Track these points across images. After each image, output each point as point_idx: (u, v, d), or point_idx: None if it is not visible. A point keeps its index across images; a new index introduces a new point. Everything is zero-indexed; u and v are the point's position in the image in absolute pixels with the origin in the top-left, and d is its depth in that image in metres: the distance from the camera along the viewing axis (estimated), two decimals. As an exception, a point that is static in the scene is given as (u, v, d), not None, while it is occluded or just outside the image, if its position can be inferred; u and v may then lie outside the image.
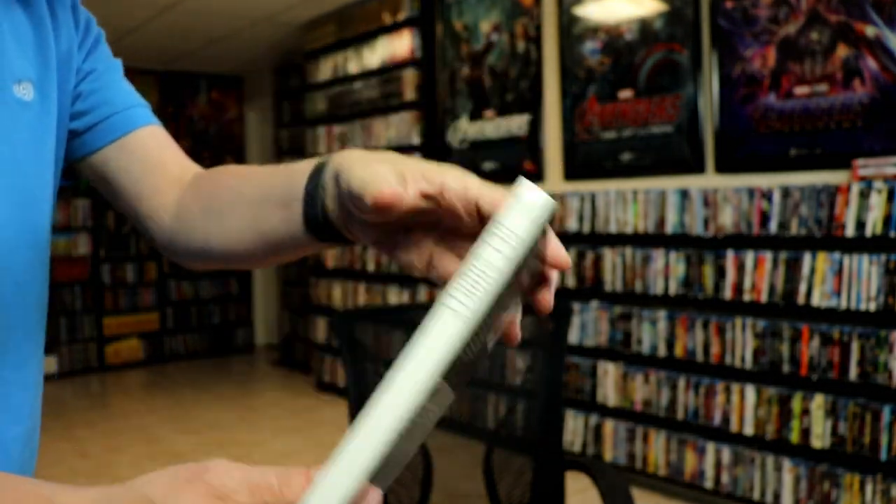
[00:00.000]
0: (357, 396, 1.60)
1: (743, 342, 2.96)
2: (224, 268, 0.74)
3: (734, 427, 2.98)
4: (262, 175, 0.67)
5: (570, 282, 3.60)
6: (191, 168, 0.77)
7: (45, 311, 0.70)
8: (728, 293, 3.00)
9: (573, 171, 3.73)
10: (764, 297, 2.89)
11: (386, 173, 0.48)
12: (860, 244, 2.67)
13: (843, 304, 2.67)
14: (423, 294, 4.46)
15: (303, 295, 6.15)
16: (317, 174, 0.57)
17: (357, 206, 0.51)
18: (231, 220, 0.67)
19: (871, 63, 2.68)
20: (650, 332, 3.28)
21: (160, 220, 0.74)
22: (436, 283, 0.52)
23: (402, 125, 4.70)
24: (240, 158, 7.43)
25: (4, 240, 0.62)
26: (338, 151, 0.57)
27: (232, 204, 0.67)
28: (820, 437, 2.73)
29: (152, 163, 0.74)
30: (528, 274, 0.41)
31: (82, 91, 0.73)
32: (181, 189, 0.74)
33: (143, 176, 0.74)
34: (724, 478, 3.03)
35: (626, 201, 3.39)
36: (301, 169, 0.60)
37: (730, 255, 3.00)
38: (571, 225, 3.61)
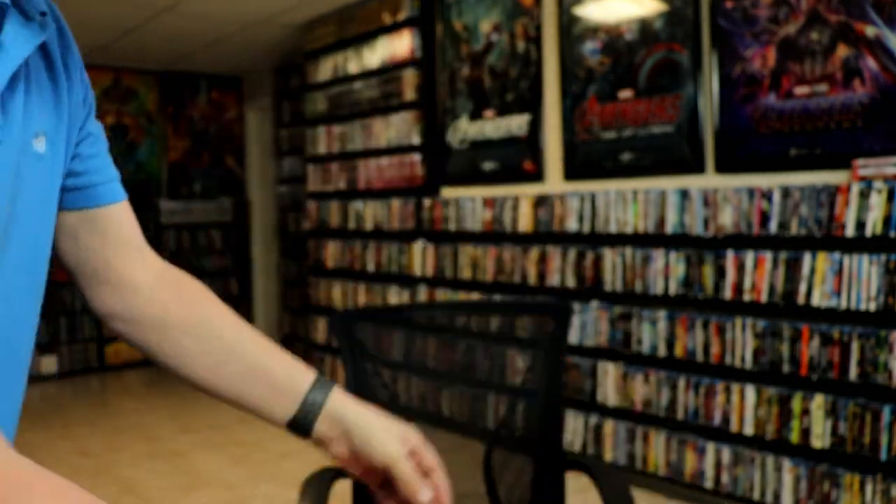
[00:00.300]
0: (357, 396, 1.60)
1: (743, 342, 2.96)
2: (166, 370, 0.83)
3: (734, 427, 2.98)
4: (257, 344, 0.81)
5: (571, 282, 3.60)
6: (150, 252, 0.84)
7: (33, 346, 0.74)
8: (728, 293, 3.00)
9: (573, 171, 3.73)
10: (764, 297, 2.89)
11: (409, 467, 0.76)
12: (860, 244, 2.66)
13: (843, 304, 2.67)
14: (423, 294, 4.46)
15: (303, 295, 6.15)
16: (317, 393, 0.79)
17: (379, 471, 0.79)
18: (214, 359, 0.78)
19: (871, 63, 2.68)
20: (650, 332, 3.28)
21: (121, 290, 0.81)
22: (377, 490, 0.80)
23: (402, 125, 4.70)
24: (240, 158, 7.43)
25: (10, 286, 0.65)
26: (335, 387, 0.79)
27: (223, 350, 0.79)
28: (820, 437, 2.73)
29: (125, 236, 0.81)
30: None
31: (81, 153, 0.76)
32: (150, 273, 0.82)
33: (116, 245, 0.80)
34: (725, 478, 3.03)
35: (626, 201, 3.39)
36: (301, 372, 0.80)
37: (730, 255, 3.00)
38: (571, 225, 3.61)
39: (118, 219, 0.80)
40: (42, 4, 0.65)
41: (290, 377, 0.79)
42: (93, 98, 0.79)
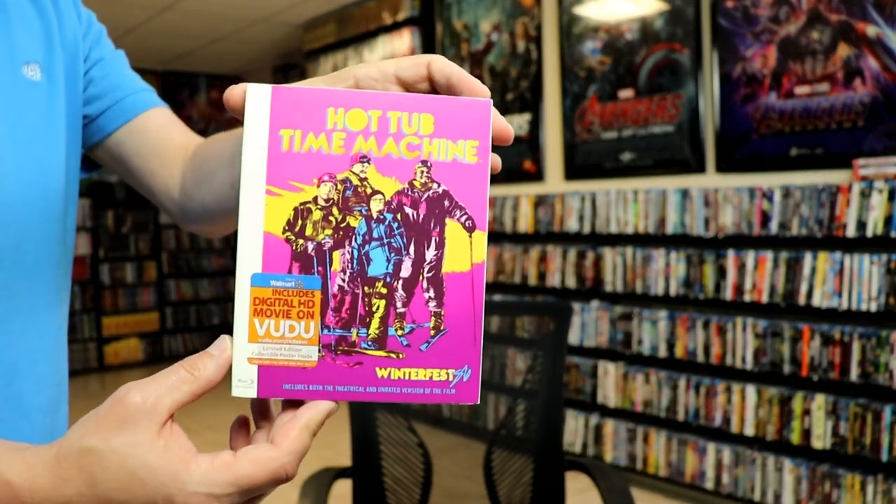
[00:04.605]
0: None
1: (744, 342, 2.95)
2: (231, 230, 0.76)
3: (735, 427, 2.98)
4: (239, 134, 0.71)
5: (571, 282, 3.59)
6: (194, 141, 0.79)
7: (69, 283, 0.73)
8: (729, 293, 3.00)
9: (573, 170, 3.72)
10: (765, 298, 2.89)
11: None
12: (861, 244, 2.66)
13: (844, 305, 2.66)
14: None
15: (303, 295, 6.14)
16: None
17: None
18: (215, 182, 0.71)
19: (872, 63, 2.67)
20: (651, 333, 3.27)
21: (170, 194, 0.77)
22: None
23: (402, 125, 4.69)
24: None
25: (20, 211, 0.65)
26: None
27: (218, 167, 0.70)
28: (821, 438, 2.73)
29: (161, 141, 0.78)
30: None
31: (93, 77, 0.76)
32: (185, 163, 0.77)
33: (153, 155, 0.77)
34: (725, 478, 3.02)
35: (626, 201, 3.38)
36: None
37: (730, 255, 3.00)
38: (572, 225, 3.60)
39: (151, 126, 0.78)
40: None
41: None
42: (101, 30, 0.79)
